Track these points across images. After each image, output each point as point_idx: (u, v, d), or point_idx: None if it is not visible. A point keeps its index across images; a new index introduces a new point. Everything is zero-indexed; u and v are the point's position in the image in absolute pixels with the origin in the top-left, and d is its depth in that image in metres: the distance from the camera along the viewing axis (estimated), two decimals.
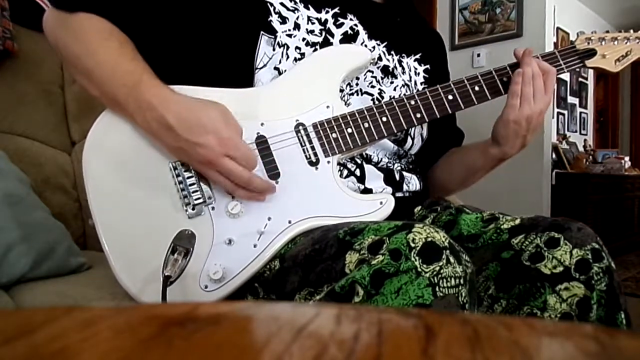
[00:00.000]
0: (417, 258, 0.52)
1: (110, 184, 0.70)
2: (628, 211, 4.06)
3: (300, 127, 0.73)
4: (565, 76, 4.20)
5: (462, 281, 0.52)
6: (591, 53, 0.84)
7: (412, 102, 0.77)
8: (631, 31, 0.87)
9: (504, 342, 0.22)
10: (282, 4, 0.79)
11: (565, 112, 4.27)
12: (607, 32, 0.87)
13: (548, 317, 0.66)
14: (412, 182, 0.85)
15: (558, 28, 3.18)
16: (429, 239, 0.53)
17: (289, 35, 0.78)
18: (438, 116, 0.78)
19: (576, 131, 4.43)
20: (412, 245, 0.52)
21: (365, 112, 0.75)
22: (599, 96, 5.11)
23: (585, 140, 4.51)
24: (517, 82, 0.77)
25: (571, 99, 4.37)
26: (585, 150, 4.35)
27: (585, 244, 0.67)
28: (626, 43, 0.86)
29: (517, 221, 0.74)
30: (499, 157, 0.84)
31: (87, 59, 0.70)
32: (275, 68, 0.77)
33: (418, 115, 0.77)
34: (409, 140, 0.87)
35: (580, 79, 4.50)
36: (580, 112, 4.55)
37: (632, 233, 4.07)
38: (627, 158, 4.29)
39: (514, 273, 0.70)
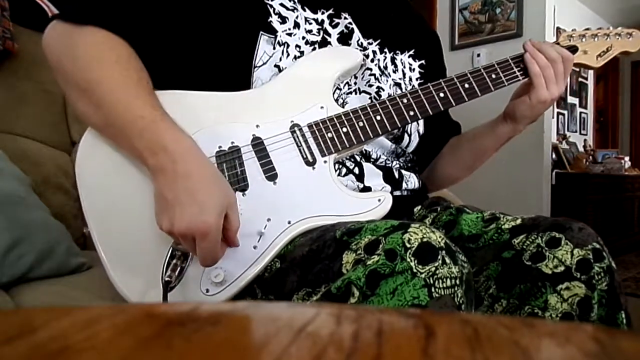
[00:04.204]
0: (412, 258, 0.51)
1: (105, 192, 0.69)
2: (628, 211, 4.06)
3: (296, 128, 0.73)
4: None
5: (458, 281, 0.52)
6: (573, 49, 0.86)
7: (405, 101, 0.78)
8: (610, 27, 0.89)
9: (504, 342, 0.22)
10: (281, 4, 0.80)
11: (565, 112, 4.27)
12: (588, 29, 0.89)
13: (549, 316, 0.66)
14: (411, 181, 0.85)
15: (558, 28, 3.17)
16: (425, 239, 0.53)
17: (289, 34, 0.78)
18: (431, 113, 0.79)
19: (576, 131, 4.43)
20: (408, 245, 0.52)
21: (360, 111, 0.76)
22: (599, 96, 5.11)
23: (585, 140, 4.51)
24: (533, 62, 0.81)
25: (571, 99, 4.37)
26: (585, 150, 4.35)
27: (587, 244, 0.67)
28: (606, 39, 0.88)
29: (518, 221, 0.74)
30: (509, 134, 0.89)
31: (99, 87, 0.67)
32: (276, 65, 0.77)
33: (411, 113, 0.77)
34: (406, 137, 0.87)
35: (580, 79, 4.50)
36: (580, 112, 4.55)
37: (632, 233, 4.07)
38: (627, 158, 4.29)
39: (515, 273, 0.70)
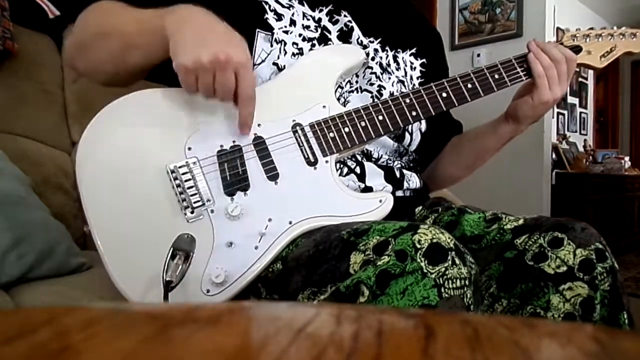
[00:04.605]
0: (423, 259, 0.52)
1: (105, 191, 0.69)
2: (628, 211, 4.06)
3: (298, 128, 0.73)
4: None
5: (467, 282, 0.52)
6: (577, 50, 0.85)
7: (407, 100, 0.77)
8: (615, 27, 0.89)
9: (504, 342, 0.22)
10: (277, 1, 0.80)
11: (565, 112, 4.27)
12: (592, 28, 0.88)
13: (551, 316, 0.66)
14: (413, 180, 0.85)
15: (558, 28, 3.17)
16: (435, 240, 0.53)
17: (286, 32, 0.78)
18: (433, 113, 0.79)
19: (576, 131, 4.43)
20: (418, 246, 0.53)
21: (362, 110, 0.75)
22: (599, 96, 5.11)
23: (585, 140, 4.51)
24: (537, 63, 0.80)
25: (571, 99, 4.37)
26: (585, 150, 4.35)
27: (589, 244, 0.67)
28: (610, 39, 0.87)
29: (521, 221, 0.74)
30: (511, 135, 0.89)
31: (108, 19, 0.72)
32: (274, 63, 0.77)
33: (414, 113, 0.77)
34: (407, 136, 0.87)
35: (580, 79, 4.50)
36: (580, 112, 4.55)
37: (632, 233, 4.07)
38: (627, 158, 4.29)
39: (517, 273, 0.70)
